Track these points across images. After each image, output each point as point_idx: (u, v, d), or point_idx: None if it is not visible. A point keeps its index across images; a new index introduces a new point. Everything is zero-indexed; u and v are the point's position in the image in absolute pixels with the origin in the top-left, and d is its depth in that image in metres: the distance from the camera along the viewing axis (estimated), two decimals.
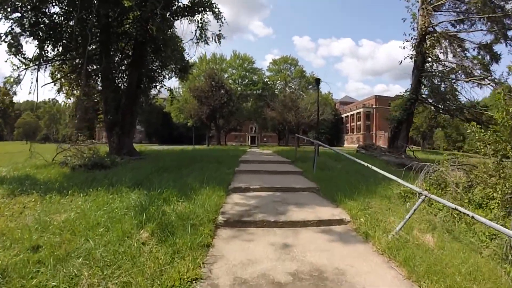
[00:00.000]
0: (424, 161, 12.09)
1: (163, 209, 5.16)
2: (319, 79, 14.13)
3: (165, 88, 18.42)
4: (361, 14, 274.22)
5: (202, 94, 49.02)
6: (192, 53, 17.28)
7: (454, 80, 17.11)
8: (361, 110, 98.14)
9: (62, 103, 16.70)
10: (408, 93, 17.33)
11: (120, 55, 16.13)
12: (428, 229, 5.11)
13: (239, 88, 66.34)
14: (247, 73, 68.57)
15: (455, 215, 5.72)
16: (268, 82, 73.83)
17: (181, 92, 65.73)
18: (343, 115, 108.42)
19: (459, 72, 17.12)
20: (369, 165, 5.81)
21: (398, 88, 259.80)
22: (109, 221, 4.62)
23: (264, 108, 64.79)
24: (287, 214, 5.23)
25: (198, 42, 14.96)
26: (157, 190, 6.19)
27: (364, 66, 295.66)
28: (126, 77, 15.27)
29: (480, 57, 16.45)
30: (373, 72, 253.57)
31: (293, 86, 74.59)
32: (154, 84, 17.74)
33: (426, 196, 4.76)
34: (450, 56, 17.00)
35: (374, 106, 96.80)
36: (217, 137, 63.65)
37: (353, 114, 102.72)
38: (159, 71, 17.55)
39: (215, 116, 51.92)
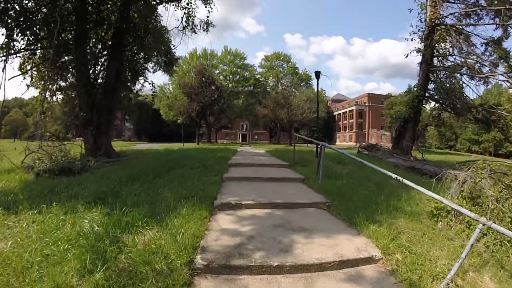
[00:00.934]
0: (433, 164, 10.80)
1: (123, 241, 3.73)
2: (319, 72, 12.68)
3: (149, 83, 16.68)
4: (352, 13, 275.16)
5: (192, 90, 47.31)
6: (178, 42, 15.44)
7: (464, 76, 15.70)
8: (353, 108, 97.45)
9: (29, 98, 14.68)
10: (416, 89, 15.85)
11: (100, 46, 14.51)
12: (481, 266, 3.80)
13: (230, 85, 64.61)
14: (239, 69, 66.73)
15: (506, 242, 4.45)
16: (260, 79, 72.07)
17: (171, 89, 64.02)
18: (335, 113, 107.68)
19: (465, 68, 15.80)
20: (402, 179, 4.39)
21: (389, 86, 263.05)
22: (46, 262, 3.25)
23: (255, 105, 63.21)
24: (294, 251, 3.72)
25: (184, 29, 13.42)
26: (122, 208, 4.77)
27: (355, 64, 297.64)
28: (104, 69, 13.65)
29: (501, 51, 14.96)
30: (364, 71, 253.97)
31: (285, 83, 73.13)
32: (137, 78, 16.13)
33: (484, 225, 3.41)
34: (458, 50, 15.61)
35: (366, 104, 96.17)
36: (207, 135, 62.12)
37: (345, 112, 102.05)
38: (142, 62, 15.90)
39: (205, 113, 50.22)
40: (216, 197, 5.89)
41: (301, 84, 71.23)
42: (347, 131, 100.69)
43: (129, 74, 15.42)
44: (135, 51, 14.44)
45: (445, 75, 15.95)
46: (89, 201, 5.40)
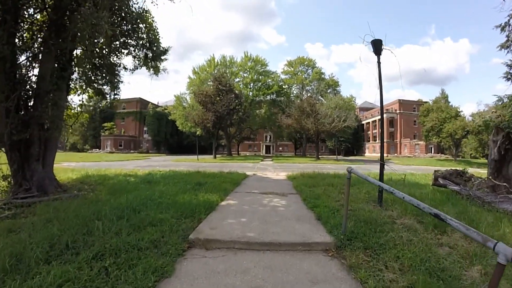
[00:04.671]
0: None
1: None
2: (380, 41, 7.47)
3: (119, 82, 12.09)
4: (374, 19, 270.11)
5: (208, 99, 43.05)
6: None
7: None
8: (384, 115, 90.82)
9: None
10: None
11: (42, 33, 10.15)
12: None
13: (250, 93, 59.86)
14: (260, 76, 61.49)
15: None
16: (283, 86, 66.78)
17: (188, 98, 60.24)
18: (363, 122, 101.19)
19: None
20: None
21: (414, 92, 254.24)
22: None
23: (279, 115, 58.30)
24: None
25: None
26: None
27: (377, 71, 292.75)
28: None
29: None
30: (388, 78, 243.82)
31: (310, 90, 67.91)
32: (110, 78, 11.69)
33: None
34: None
35: (397, 111, 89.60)
36: (227, 147, 57.85)
37: (375, 121, 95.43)
38: (111, 55, 11.43)
39: (222, 123, 45.50)
40: None
41: (328, 91, 65.75)
42: (377, 141, 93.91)
43: (93, 74, 11.12)
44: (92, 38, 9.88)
45: None
46: None
